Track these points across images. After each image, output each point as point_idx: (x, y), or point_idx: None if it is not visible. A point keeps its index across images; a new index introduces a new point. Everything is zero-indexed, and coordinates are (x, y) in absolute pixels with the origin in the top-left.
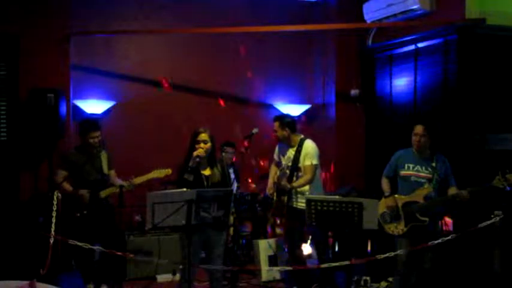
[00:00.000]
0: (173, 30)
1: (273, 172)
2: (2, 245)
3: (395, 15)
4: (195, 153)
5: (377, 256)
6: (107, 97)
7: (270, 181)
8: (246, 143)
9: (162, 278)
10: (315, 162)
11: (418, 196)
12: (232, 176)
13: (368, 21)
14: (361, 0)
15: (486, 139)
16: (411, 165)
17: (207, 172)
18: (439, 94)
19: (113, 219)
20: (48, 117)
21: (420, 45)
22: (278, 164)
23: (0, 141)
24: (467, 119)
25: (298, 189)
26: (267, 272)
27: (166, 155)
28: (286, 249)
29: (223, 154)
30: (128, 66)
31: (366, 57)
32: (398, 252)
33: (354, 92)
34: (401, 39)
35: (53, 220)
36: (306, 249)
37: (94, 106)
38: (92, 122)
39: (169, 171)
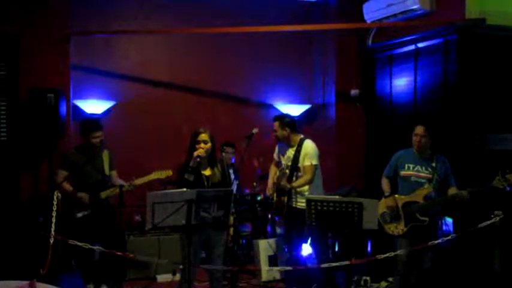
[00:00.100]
0: (173, 30)
1: (273, 172)
2: (2, 245)
3: (395, 15)
4: (195, 153)
5: (377, 256)
6: (107, 97)
7: (270, 181)
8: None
9: (162, 278)
10: (314, 162)
11: (418, 196)
12: (232, 176)
13: (368, 21)
14: (361, 0)
15: (486, 139)
16: (411, 166)
17: (207, 172)
18: (439, 94)
19: (113, 219)
20: (48, 117)
21: (420, 45)
22: (278, 164)
23: (0, 141)
24: (467, 119)
25: (298, 189)
26: (267, 272)
27: (166, 155)
28: (286, 249)
29: (223, 154)
30: (128, 66)
31: (366, 57)
32: (398, 252)
33: (354, 92)
34: (401, 39)
35: (53, 220)
36: (306, 249)
37: (94, 106)
38: (94, 121)
39: (170, 172)
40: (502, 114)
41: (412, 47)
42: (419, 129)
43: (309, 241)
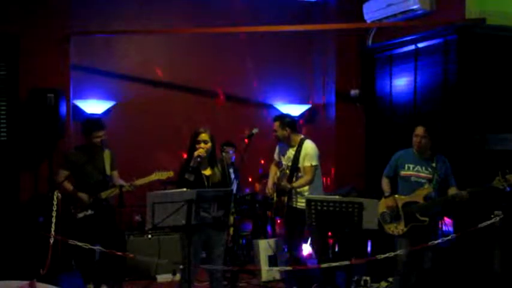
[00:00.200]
0: (173, 30)
1: (273, 172)
2: (2, 245)
3: (395, 15)
4: (195, 153)
5: (377, 256)
6: (107, 97)
7: (270, 181)
8: (246, 140)
9: (162, 278)
10: (314, 163)
11: (418, 196)
12: (232, 176)
13: (368, 21)
14: (361, 0)
15: (486, 139)
16: (411, 166)
17: (207, 172)
18: (439, 94)
19: (113, 220)
20: (48, 117)
21: (420, 45)
22: (278, 164)
23: (0, 141)
24: (467, 119)
25: (298, 190)
26: (267, 272)
27: (166, 155)
28: (286, 249)
29: (223, 154)
30: (128, 66)
31: (366, 57)
32: (398, 252)
33: (354, 92)
34: (401, 39)
35: (53, 220)
36: (306, 249)
37: (94, 106)
38: (96, 121)
39: (171, 173)
40: (502, 114)
41: (412, 47)
42: (419, 130)
43: (309, 241)
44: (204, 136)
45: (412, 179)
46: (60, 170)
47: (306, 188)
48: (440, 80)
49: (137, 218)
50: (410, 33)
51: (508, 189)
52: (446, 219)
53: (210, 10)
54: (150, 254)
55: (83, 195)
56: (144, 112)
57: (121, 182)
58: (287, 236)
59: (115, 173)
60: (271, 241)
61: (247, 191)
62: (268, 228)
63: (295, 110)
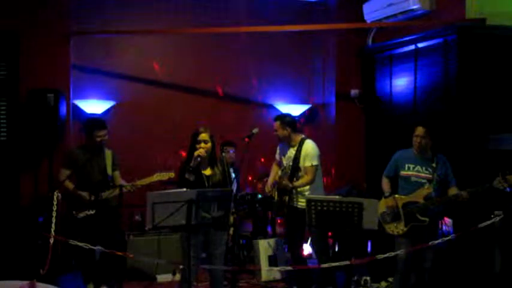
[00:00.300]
0: (173, 31)
1: (274, 172)
2: (2, 245)
3: (395, 15)
4: (195, 153)
5: (377, 256)
6: (107, 97)
7: (270, 180)
8: (246, 139)
9: (162, 278)
10: (315, 163)
11: (418, 196)
12: (233, 175)
13: (368, 21)
14: (361, 0)
15: (486, 139)
16: (411, 166)
17: (208, 172)
18: (439, 94)
19: (116, 221)
20: (48, 117)
21: (420, 45)
22: (279, 164)
23: (0, 141)
24: (467, 119)
25: (299, 189)
26: (267, 272)
27: (166, 155)
28: (286, 249)
29: (224, 154)
30: (128, 66)
31: (366, 57)
32: (398, 252)
33: (354, 92)
34: (401, 39)
35: (53, 220)
36: (306, 249)
37: (94, 106)
38: (98, 120)
39: (172, 174)
40: (502, 115)
41: (412, 47)
42: (419, 130)
43: (309, 241)
44: (204, 136)
45: (412, 179)
46: (61, 169)
47: (307, 187)
48: (440, 80)
49: (137, 218)
50: (410, 33)
51: (508, 189)
52: (446, 219)
53: (210, 10)
54: (150, 254)
55: (84, 194)
56: (144, 112)
57: (122, 182)
58: (288, 236)
59: (116, 173)
60: (271, 241)
61: (248, 190)
62: (268, 228)
63: (295, 110)
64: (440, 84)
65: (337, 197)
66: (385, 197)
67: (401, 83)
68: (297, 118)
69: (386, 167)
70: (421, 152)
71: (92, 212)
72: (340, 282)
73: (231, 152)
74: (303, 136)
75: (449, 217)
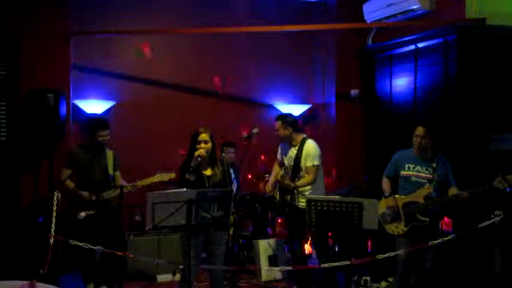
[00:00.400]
0: (173, 30)
1: (276, 171)
2: (3, 245)
3: (395, 15)
4: (196, 153)
5: (377, 256)
6: (107, 97)
7: (271, 180)
8: (246, 132)
9: (162, 278)
10: (316, 163)
11: (419, 196)
12: (232, 176)
13: (368, 21)
14: (361, 0)
15: (487, 139)
16: (412, 166)
17: (208, 172)
18: (439, 94)
19: (116, 221)
20: (48, 117)
21: (420, 45)
22: (281, 164)
23: (0, 141)
24: (467, 119)
25: (300, 189)
26: (267, 272)
27: (166, 155)
28: (286, 249)
29: (223, 154)
30: (128, 66)
31: (366, 57)
32: (398, 252)
33: (354, 92)
34: (401, 39)
35: (53, 220)
36: (307, 249)
37: (94, 106)
38: (101, 120)
39: (173, 174)
40: (502, 114)
41: (412, 47)
42: (419, 130)
43: (309, 241)
44: (204, 136)
45: (413, 179)
46: (62, 168)
47: (308, 187)
48: (440, 80)
49: (137, 218)
50: (410, 33)
51: (508, 189)
52: (446, 219)
53: (210, 10)
54: (150, 254)
55: (84, 194)
56: (144, 112)
57: (123, 182)
58: (289, 236)
59: (117, 174)
60: (271, 241)
61: (248, 192)
62: (268, 229)
63: (295, 110)
64: (440, 84)
65: (337, 197)
66: (385, 197)
67: (401, 83)
68: (298, 118)
69: (387, 167)
70: (421, 152)
71: (92, 212)
72: (340, 282)
73: (231, 152)
74: (304, 136)
75: (449, 217)
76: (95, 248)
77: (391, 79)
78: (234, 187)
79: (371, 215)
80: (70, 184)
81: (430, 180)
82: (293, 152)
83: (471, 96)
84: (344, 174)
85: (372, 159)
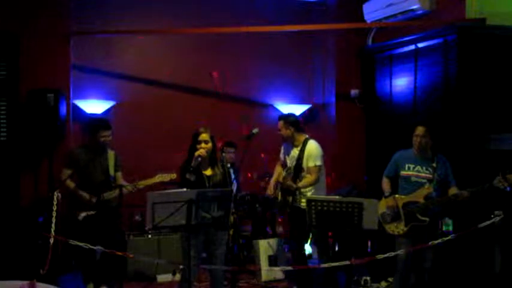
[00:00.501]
0: (173, 30)
1: (277, 172)
2: (3, 245)
3: (395, 15)
4: (196, 153)
5: (377, 256)
6: (107, 97)
7: (272, 180)
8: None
9: (162, 278)
10: (318, 163)
11: (419, 196)
12: (232, 176)
13: (368, 21)
14: (361, 0)
15: (486, 139)
16: (412, 166)
17: (208, 172)
18: (439, 94)
19: (117, 222)
20: (48, 117)
21: (420, 45)
22: (283, 164)
23: (0, 141)
24: (467, 119)
25: (302, 190)
26: (267, 272)
27: (166, 155)
28: (286, 249)
29: (224, 154)
30: (128, 66)
31: (366, 57)
32: (398, 252)
33: (354, 92)
34: (401, 39)
35: (53, 220)
36: (307, 249)
37: (94, 106)
38: (103, 120)
39: (174, 175)
40: (502, 114)
41: (412, 47)
42: (419, 130)
43: (309, 241)
44: (204, 136)
45: (413, 179)
46: (63, 168)
47: (310, 188)
48: (440, 80)
49: (137, 218)
50: (410, 33)
51: (508, 188)
52: (446, 219)
53: (210, 10)
54: (150, 254)
55: (84, 194)
56: (144, 112)
57: (124, 183)
58: (290, 236)
59: (118, 174)
60: (271, 241)
61: (248, 192)
62: (268, 228)
63: (295, 110)
64: (440, 84)
65: (337, 197)
66: (385, 197)
67: (401, 83)
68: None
69: (387, 167)
70: (421, 152)
71: (92, 213)
72: (340, 282)
73: (231, 152)
74: (307, 136)
75: (449, 217)
76: (95, 248)
77: (391, 79)
78: (234, 187)
79: (371, 215)
80: (70, 184)
81: (430, 180)
82: (295, 152)
83: (471, 96)
84: (344, 174)
85: (372, 159)
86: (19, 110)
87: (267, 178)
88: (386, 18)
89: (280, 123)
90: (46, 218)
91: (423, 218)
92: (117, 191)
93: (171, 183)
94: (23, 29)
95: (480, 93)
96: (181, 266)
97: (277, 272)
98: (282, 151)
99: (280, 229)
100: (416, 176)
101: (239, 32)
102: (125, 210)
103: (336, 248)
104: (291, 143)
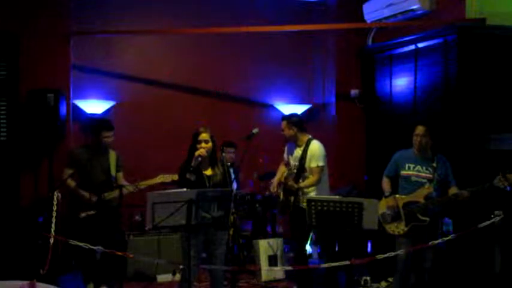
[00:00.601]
0: (173, 30)
1: (281, 172)
2: (3, 245)
3: (395, 15)
4: (196, 153)
5: (377, 256)
6: (107, 97)
7: (275, 179)
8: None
9: (162, 278)
10: (321, 164)
11: (419, 196)
12: (232, 176)
13: (368, 21)
14: (361, 0)
15: (487, 139)
16: (412, 165)
17: (208, 172)
18: (439, 94)
19: (117, 222)
20: (48, 117)
21: (420, 45)
22: (287, 164)
23: (0, 141)
24: (467, 119)
25: (305, 190)
26: (267, 272)
27: (166, 155)
28: (287, 249)
29: (223, 154)
30: (128, 66)
31: (366, 57)
32: (398, 252)
33: (354, 92)
34: (401, 39)
35: (53, 220)
36: (307, 249)
37: (94, 106)
38: (106, 121)
39: (175, 176)
40: (502, 114)
41: (412, 47)
42: (419, 129)
43: (309, 241)
44: (204, 136)
45: (413, 178)
46: (64, 168)
47: (312, 188)
48: (440, 80)
49: (137, 218)
50: (410, 33)
51: (508, 188)
52: (446, 219)
53: (210, 10)
54: (150, 254)
55: (84, 193)
56: (144, 112)
57: (125, 183)
58: (292, 236)
59: (120, 175)
60: (272, 241)
61: (248, 192)
62: (268, 228)
63: (295, 110)
64: (440, 84)
65: (337, 197)
66: (386, 197)
67: (401, 83)
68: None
69: (387, 167)
70: (422, 152)
71: (92, 213)
72: (340, 282)
73: (231, 152)
74: (310, 136)
75: (449, 217)
76: (95, 248)
77: (391, 79)
78: (234, 187)
79: (371, 215)
80: (71, 183)
81: (430, 180)
82: (298, 152)
83: (471, 96)
84: (344, 174)
85: (372, 159)
86: (19, 110)
87: (271, 181)
88: (386, 18)
89: (283, 123)
90: (46, 218)
91: (423, 218)
92: (117, 191)
93: (171, 183)
94: (23, 29)
95: (480, 93)
96: (181, 266)
97: (277, 272)
98: (286, 151)
99: (280, 229)
100: (417, 176)
101: (239, 32)
102: (125, 210)
103: (336, 248)
104: (294, 143)
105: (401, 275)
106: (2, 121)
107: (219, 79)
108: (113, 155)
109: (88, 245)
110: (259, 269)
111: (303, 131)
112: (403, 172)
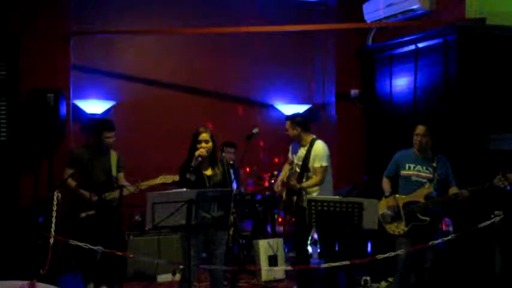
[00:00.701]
0: (173, 30)
1: (285, 171)
2: (3, 245)
3: (395, 15)
4: (196, 153)
5: (377, 256)
6: (107, 97)
7: (280, 179)
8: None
9: (162, 278)
10: (324, 164)
11: (419, 196)
12: (232, 176)
13: (368, 21)
14: (361, 0)
15: (487, 139)
16: (412, 165)
17: (208, 172)
18: (439, 94)
19: (118, 222)
20: (48, 117)
21: (420, 45)
22: (292, 163)
23: (0, 141)
24: (467, 119)
25: (308, 190)
26: (267, 272)
27: (166, 155)
28: (287, 249)
29: (224, 154)
30: (128, 66)
31: (366, 57)
32: (398, 252)
33: (354, 92)
34: (401, 39)
35: (53, 220)
36: (308, 249)
37: (94, 106)
38: (107, 121)
39: (176, 177)
40: (502, 114)
41: (412, 47)
42: (420, 129)
43: (309, 241)
44: (204, 136)
45: (413, 178)
46: (65, 168)
47: (316, 188)
48: (440, 80)
49: (137, 218)
50: (410, 33)
51: (508, 188)
52: (447, 219)
53: (210, 10)
54: (150, 254)
55: (85, 193)
56: (144, 112)
57: (126, 184)
58: (294, 235)
59: (120, 175)
60: (272, 241)
61: (250, 183)
62: (268, 228)
63: (295, 110)
64: (440, 84)
65: (337, 197)
66: (386, 197)
67: (401, 83)
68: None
69: (387, 167)
70: (422, 151)
71: (92, 213)
72: (340, 282)
73: (231, 152)
74: (314, 136)
75: (449, 217)
76: (95, 248)
77: (391, 79)
78: (234, 187)
79: (371, 215)
80: (71, 183)
81: (430, 180)
82: (302, 152)
83: (471, 96)
84: (344, 174)
85: (372, 159)
86: (19, 110)
87: (274, 180)
88: (386, 18)
89: (287, 123)
90: (46, 218)
91: (424, 218)
92: (118, 192)
93: (172, 183)
94: (23, 29)
95: (480, 93)
96: (181, 266)
97: (277, 272)
98: (291, 150)
99: (280, 229)
100: (417, 176)
101: (239, 32)
102: (125, 210)
103: (336, 248)
104: (298, 142)
105: (401, 275)
106: (2, 121)
107: (219, 79)
108: (114, 156)
109: (88, 245)
110: (259, 269)
111: (307, 131)
112: (403, 172)
